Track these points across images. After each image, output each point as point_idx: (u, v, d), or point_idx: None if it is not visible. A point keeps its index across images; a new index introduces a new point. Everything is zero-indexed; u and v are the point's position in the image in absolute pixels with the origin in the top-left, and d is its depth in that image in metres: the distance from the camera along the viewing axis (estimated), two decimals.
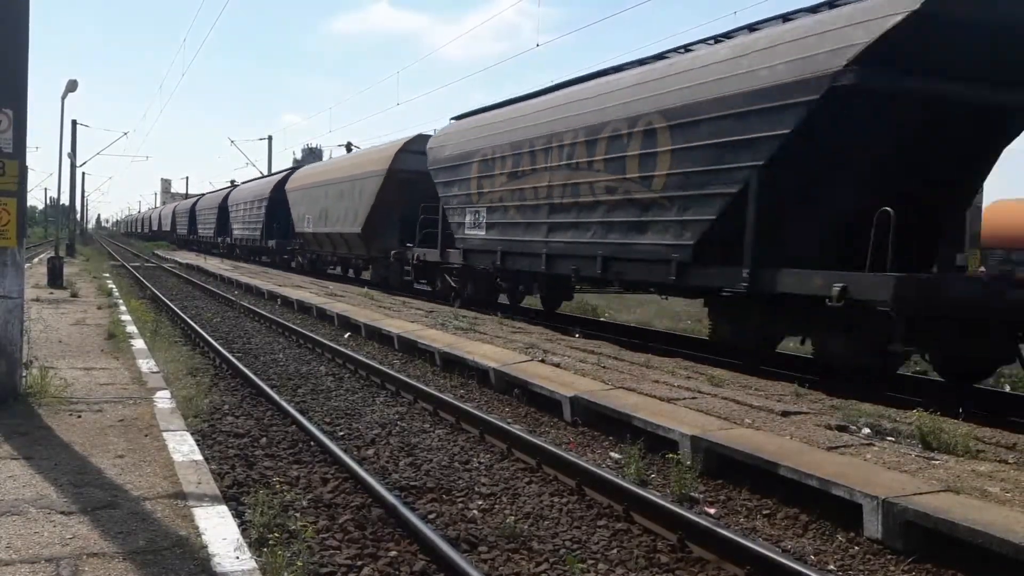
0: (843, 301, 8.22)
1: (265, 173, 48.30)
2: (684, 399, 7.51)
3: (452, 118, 18.89)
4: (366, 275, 27.43)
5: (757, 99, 9.36)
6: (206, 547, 3.85)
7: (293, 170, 36.28)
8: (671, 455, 6.22)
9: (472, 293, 17.73)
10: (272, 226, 34.74)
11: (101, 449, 5.46)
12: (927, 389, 9.42)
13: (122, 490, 4.64)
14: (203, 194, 62.82)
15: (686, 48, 11.51)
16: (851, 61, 8.36)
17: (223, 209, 44.93)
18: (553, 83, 14.80)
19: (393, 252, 21.43)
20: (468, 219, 16.69)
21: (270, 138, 57.31)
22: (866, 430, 6.52)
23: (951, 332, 8.35)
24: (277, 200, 33.54)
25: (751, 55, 9.72)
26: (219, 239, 46.72)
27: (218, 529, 4.09)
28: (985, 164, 9.93)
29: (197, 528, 4.09)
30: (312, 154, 76.09)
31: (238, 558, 3.75)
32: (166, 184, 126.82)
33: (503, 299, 17.92)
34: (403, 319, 14.14)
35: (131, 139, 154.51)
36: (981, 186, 10.48)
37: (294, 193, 31.23)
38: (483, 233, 16.04)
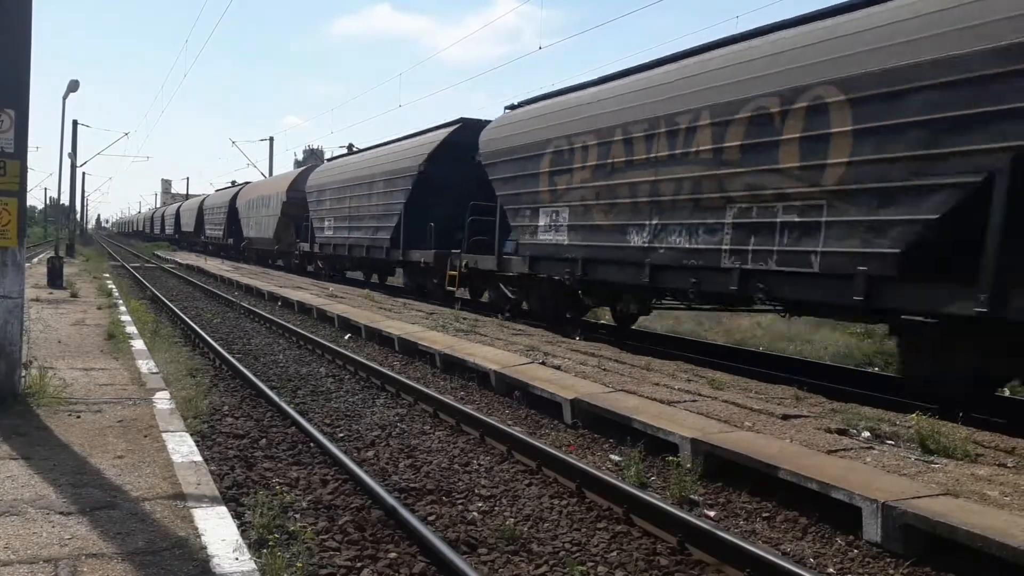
0: None
1: (266, 175, 48.24)
2: (684, 402, 7.50)
3: (507, 107, 16.42)
4: (392, 280, 26.17)
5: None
6: (205, 548, 3.85)
7: (310, 169, 32.24)
8: (671, 458, 6.23)
9: (536, 306, 15.50)
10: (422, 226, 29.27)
11: (100, 450, 5.46)
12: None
13: (121, 491, 4.64)
14: (208, 194, 61.51)
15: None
16: None
17: (233, 208, 41.79)
18: (648, 60, 12.24)
19: (423, 259, 19.12)
20: (540, 221, 14.03)
21: (271, 139, 57.25)
22: (866, 434, 6.52)
23: None
24: (294, 200, 30.92)
25: None
26: (229, 240, 43.78)
27: (217, 530, 4.09)
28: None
29: (196, 529, 4.09)
30: (313, 155, 76.10)
31: (237, 559, 3.75)
32: (166, 185, 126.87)
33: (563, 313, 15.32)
34: (404, 321, 14.14)
35: (132, 139, 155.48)
36: None
37: (314, 193, 28.34)
38: (559, 237, 13.47)
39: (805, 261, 8.73)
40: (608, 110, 12.28)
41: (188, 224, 58.40)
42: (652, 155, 11.16)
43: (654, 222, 11.12)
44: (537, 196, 14.03)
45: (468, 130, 18.40)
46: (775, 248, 9.14)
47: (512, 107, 16.27)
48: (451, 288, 18.46)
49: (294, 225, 31.69)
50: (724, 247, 9.90)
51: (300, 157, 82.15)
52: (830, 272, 8.45)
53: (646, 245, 11.26)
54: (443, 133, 19.75)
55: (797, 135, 8.81)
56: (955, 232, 7.42)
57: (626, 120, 11.72)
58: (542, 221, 13.98)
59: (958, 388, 8.11)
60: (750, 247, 9.50)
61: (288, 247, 32.78)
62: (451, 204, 18.20)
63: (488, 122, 17.15)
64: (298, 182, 31.57)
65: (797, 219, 8.84)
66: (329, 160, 31.08)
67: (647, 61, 12.25)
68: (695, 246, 10.39)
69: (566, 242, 13.25)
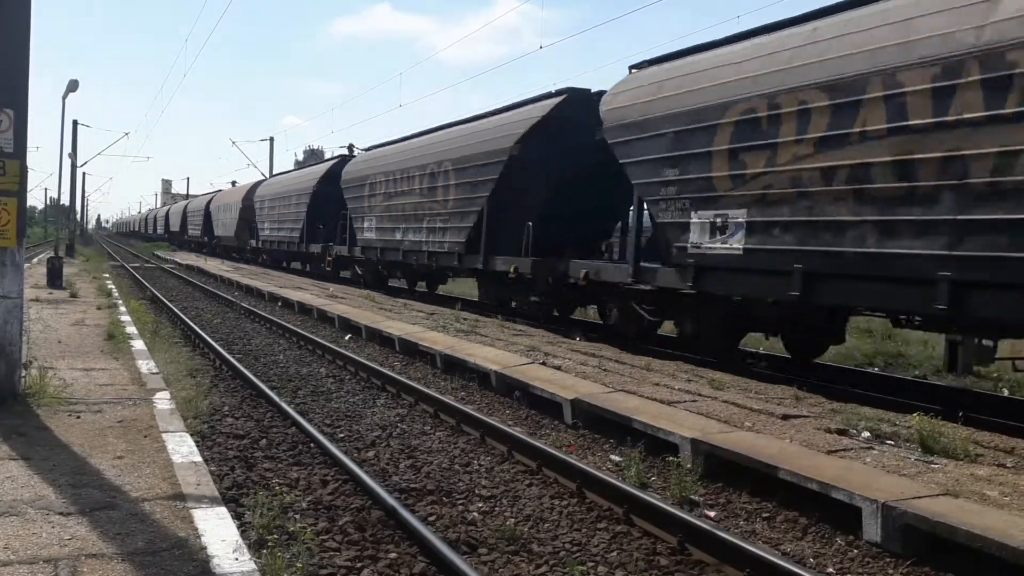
0: None
1: (266, 174, 48.18)
2: (684, 402, 7.50)
3: (632, 66, 12.45)
4: (446, 289, 23.04)
5: None
6: (205, 548, 3.85)
7: (343, 159, 28.68)
8: (671, 458, 6.22)
9: (692, 333, 11.71)
10: (317, 227, 28.39)
11: (100, 450, 5.46)
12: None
13: (121, 491, 4.64)
14: (214, 192, 61.05)
15: None
16: None
17: (247, 207, 39.06)
18: None
19: (515, 268, 14.42)
20: (695, 220, 10.18)
21: (271, 139, 57.27)
22: (866, 434, 6.52)
23: None
24: (323, 194, 27.60)
25: None
26: (204, 238, 44.61)
27: (217, 530, 4.09)
28: None
29: (196, 529, 4.09)
30: (313, 155, 76.14)
31: (237, 559, 3.75)
32: (167, 185, 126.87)
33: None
34: (404, 321, 14.14)
35: (132, 139, 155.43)
36: None
37: (352, 186, 24.02)
38: (739, 242, 9.48)
39: None
40: (856, 50, 8.16)
41: (175, 224, 64.88)
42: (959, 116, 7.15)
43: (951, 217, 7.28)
44: (706, 183, 10.04)
45: (576, 103, 14.39)
46: None
47: (639, 65, 12.31)
48: (543, 302, 14.71)
49: (248, 227, 37.95)
50: None
51: (300, 157, 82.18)
52: None
53: (942, 253, 7.35)
54: (544, 107, 14.96)
55: None
56: None
57: (898, 62, 7.67)
58: (711, 222, 10.00)
59: None
60: None
61: (243, 243, 39.03)
62: (553, 197, 14.41)
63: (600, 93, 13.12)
64: (250, 194, 37.97)
65: None
66: (369, 149, 25.71)
67: None
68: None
69: (769, 245, 9.17)
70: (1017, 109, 6.68)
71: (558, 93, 15.10)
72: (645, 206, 11.56)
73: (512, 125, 15.28)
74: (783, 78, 8.91)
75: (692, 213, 10.32)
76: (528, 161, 14.55)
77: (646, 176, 11.17)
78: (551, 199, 14.43)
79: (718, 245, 9.85)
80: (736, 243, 9.57)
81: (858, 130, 8.06)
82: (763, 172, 9.14)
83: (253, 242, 37.58)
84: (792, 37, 9.18)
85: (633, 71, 12.34)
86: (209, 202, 50.08)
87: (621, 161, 11.70)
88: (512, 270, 14.58)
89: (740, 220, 9.51)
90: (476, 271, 16.71)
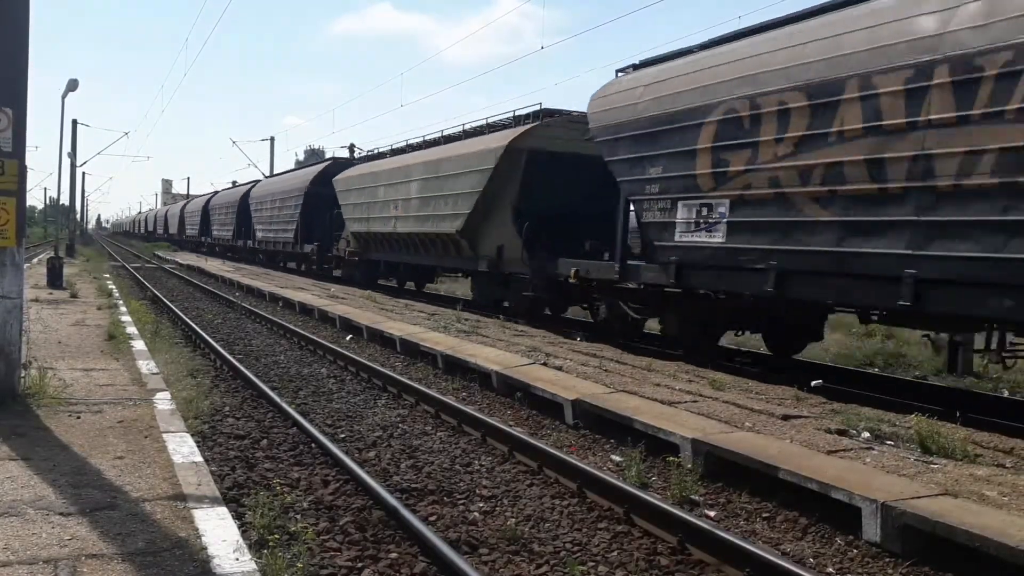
0: None
1: (267, 174, 48.26)
2: (685, 403, 7.51)
3: (618, 70, 12.80)
4: (450, 287, 22.88)
5: None
6: (206, 548, 3.85)
7: (336, 161, 30.44)
8: (672, 458, 6.23)
9: (674, 330, 11.90)
10: (311, 226, 29.03)
11: (100, 450, 5.46)
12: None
13: (121, 491, 4.64)
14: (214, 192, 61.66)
15: None
16: None
17: (243, 207, 40.19)
18: None
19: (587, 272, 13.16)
20: (685, 215, 10.31)
21: (272, 139, 57.33)
22: (866, 434, 6.52)
23: None
24: (316, 195, 28.37)
25: None
26: (239, 242, 43.30)
27: (218, 531, 4.09)
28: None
29: (197, 530, 4.09)
30: (314, 155, 76.13)
31: (238, 559, 3.75)
32: (167, 185, 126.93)
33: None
34: (405, 322, 14.14)
35: (132, 139, 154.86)
36: None
37: (345, 189, 24.52)
38: (722, 239, 9.77)
39: None
40: (826, 55, 8.47)
41: (173, 226, 69.01)
42: (919, 116, 7.44)
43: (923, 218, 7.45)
44: (689, 182, 10.32)
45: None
46: None
47: (628, 68, 12.72)
48: (531, 296, 14.84)
49: (244, 227, 39.94)
50: None
51: (301, 157, 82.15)
52: None
53: (906, 251, 7.58)
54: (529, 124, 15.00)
55: None
56: None
57: (861, 69, 7.99)
58: (695, 215, 10.30)
59: None
60: None
61: (240, 243, 41.59)
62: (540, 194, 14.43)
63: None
64: (246, 196, 39.79)
65: None
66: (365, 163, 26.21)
67: None
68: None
69: (746, 244, 9.49)
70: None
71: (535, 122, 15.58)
72: (632, 206, 11.84)
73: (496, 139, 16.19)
74: (758, 81, 9.29)
75: (672, 211, 10.73)
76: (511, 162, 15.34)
77: (630, 173, 11.44)
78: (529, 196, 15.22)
79: (693, 241, 10.31)
80: (710, 240, 10.04)
81: (836, 130, 8.31)
82: (744, 171, 9.47)
83: (250, 242, 38.75)
84: (765, 42, 9.66)
85: (619, 74, 12.76)
86: (207, 203, 51.80)
87: (607, 159, 12.02)
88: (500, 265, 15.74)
89: (722, 218, 9.90)
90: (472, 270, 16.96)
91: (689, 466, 6.13)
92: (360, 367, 10.80)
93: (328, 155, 44.98)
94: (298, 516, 5.16)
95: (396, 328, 13.22)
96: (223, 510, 4.44)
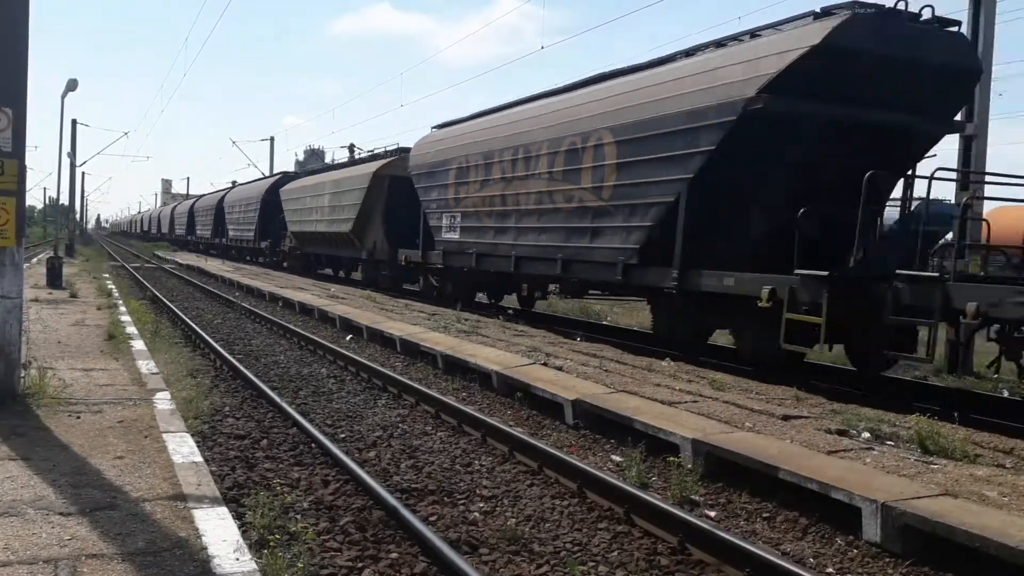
0: None
1: (266, 173, 48.44)
2: (685, 403, 7.50)
3: (433, 127, 19.23)
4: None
5: None
6: (206, 548, 3.85)
7: (285, 175, 37.76)
8: (672, 458, 6.23)
9: (451, 292, 19.00)
10: (266, 227, 35.41)
11: (100, 450, 5.46)
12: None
13: (121, 491, 4.64)
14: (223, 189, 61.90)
15: None
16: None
17: (220, 210, 45.47)
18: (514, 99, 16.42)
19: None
20: (446, 222, 17.82)
21: (272, 139, 57.45)
22: (866, 434, 6.52)
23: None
24: (270, 202, 34.47)
25: None
26: (216, 240, 47.24)
27: (218, 531, 4.09)
28: (890, 181, 10.12)
29: (197, 530, 4.09)
30: (314, 155, 76.22)
31: (238, 559, 3.75)
32: (166, 184, 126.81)
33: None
34: (405, 322, 14.14)
35: (131, 139, 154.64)
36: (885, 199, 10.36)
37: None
38: (458, 237, 17.51)
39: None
40: (488, 138, 15.97)
41: (165, 226, 74.32)
42: (513, 175, 14.78)
43: (519, 225, 14.79)
44: (446, 202, 17.65)
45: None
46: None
47: (440, 126, 19.62)
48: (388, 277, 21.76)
49: (220, 226, 45.30)
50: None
51: (301, 157, 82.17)
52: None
53: (513, 242, 14.86)
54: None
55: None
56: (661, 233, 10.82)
57: (497, 147, 15.46)
58: (446, 222, 17.63)
59: (687, 338, 11.59)
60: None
61: (218, 240, 46.29)
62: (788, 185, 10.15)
63: None
64: (221, 201, 45.47)
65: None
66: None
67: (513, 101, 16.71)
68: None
69: (468, 239, 16.72)
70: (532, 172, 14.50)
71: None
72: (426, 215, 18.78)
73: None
74: (469, 148, 16.84)
75: (441, 218, 17.89)
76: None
77: (425, 196, 18.75)
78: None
79: (447, 238, 17.58)
80: (455, 236, 17.25)
81: (491, 178, 15.83)
82: (464, 197, 16.83)
83: (224, 240, 44.62)
84: (470, 128, 17.65)
85: (433, 129, 19.90)
86: (192, 206, 60.06)
87: (416, 186, 19.28)
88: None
89: (454, 224, 17.28)
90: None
91: (689, 466, 6.13)
92: (360, 367, 10.80)
93: (328, 156, 48.53)
94: (298, 516, 5.15)
95: (396, 328, 13.22)
96: (223, 510, 4.44)
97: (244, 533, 4.34)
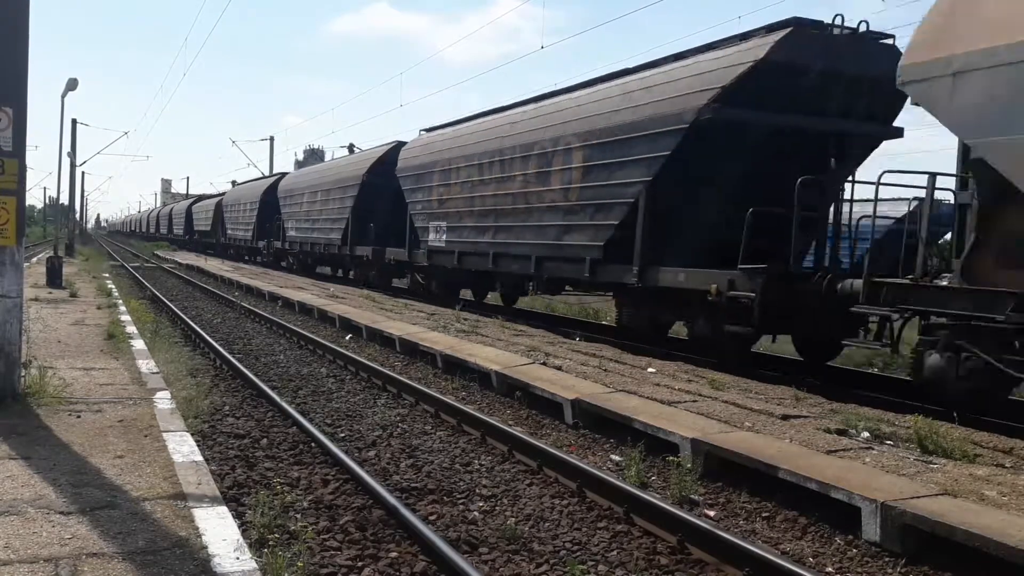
0: None
1: (265, 173, 48.49)
2: (685, 402, 7.51)
3: (421, 130, 20.78)
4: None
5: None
6: (206, 548, 3.85)
7: (282, 176, 38.08)
8: (671, 458, 6.23)
9: (436, 289, 20.86)
10: (263, 226, 36.10)
11: (100, 449, 5.46)
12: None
13: (121, 490, 4.64)
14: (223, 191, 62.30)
15: None
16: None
17: (218, 210, 46.40)
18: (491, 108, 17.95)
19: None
20: (430, 224, 19.58)
21: (272, 139, 57.38)
22: (865, 434, 6.53)
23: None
24: (267, 203, 35.28)
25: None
26: (213, 239, 48.06)
27: (218, 530, 4.09)
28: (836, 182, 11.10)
29: (197, 529, 4.09)
30: (314, 155, 76.25)
31: (238, 559, 3.75)
32: (166, 184, 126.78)
33: None
34: (405, 321, 14.14)
35: (131, 139, 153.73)
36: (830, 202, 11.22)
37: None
38: (443, 237, 19.15)
39: None
40: (470, 143, 16.79)
41: (164, 226, 75.80)
42: (491, 177, 15.62)
43: (497, 224, 15.58)
44: (430, 204, 18.57)
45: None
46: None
47: (427, 130, 20.48)
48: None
49: (219, 225, 46.21)
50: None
51: (300, 157, 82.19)
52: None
53: (492, 241, 15.75)
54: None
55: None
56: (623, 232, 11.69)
57: (477, 151, 16.24)
58: (431, 223, 18.55)
59: (649, 331, 12.63)
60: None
61: (216, 239, 47.31)
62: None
63: None
64: (220, 202, 46.63)
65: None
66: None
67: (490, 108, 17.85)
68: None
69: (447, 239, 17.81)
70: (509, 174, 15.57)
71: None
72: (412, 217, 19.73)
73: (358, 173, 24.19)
74: (453, 153, 17.77)
75: (426, 219, 18.81)
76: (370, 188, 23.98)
77: (411, 198, 19.74)
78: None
79: (431, 239, 18.55)
80: (440, 236, 18.14)
81: (472, 180, 16.84)
82: (448, 199, 17.78)
83: (223, 239, 45.82)
84: (457, 132, 18.50)
85: (421, 132, 20.88)
86: (189, 207, 61.47)
87: (402, 188, 20.24)
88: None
89: (443, 226, 18.04)
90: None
91: (689, 466, 6.13)
92: (360, 366, 10.80)
93: (328, 155, 48.93)
94: (298, 515, 5.16)
95: (395, 328, 13.22)
96: (223, 509, 4.44)
97: (244, 532, 4.34)
